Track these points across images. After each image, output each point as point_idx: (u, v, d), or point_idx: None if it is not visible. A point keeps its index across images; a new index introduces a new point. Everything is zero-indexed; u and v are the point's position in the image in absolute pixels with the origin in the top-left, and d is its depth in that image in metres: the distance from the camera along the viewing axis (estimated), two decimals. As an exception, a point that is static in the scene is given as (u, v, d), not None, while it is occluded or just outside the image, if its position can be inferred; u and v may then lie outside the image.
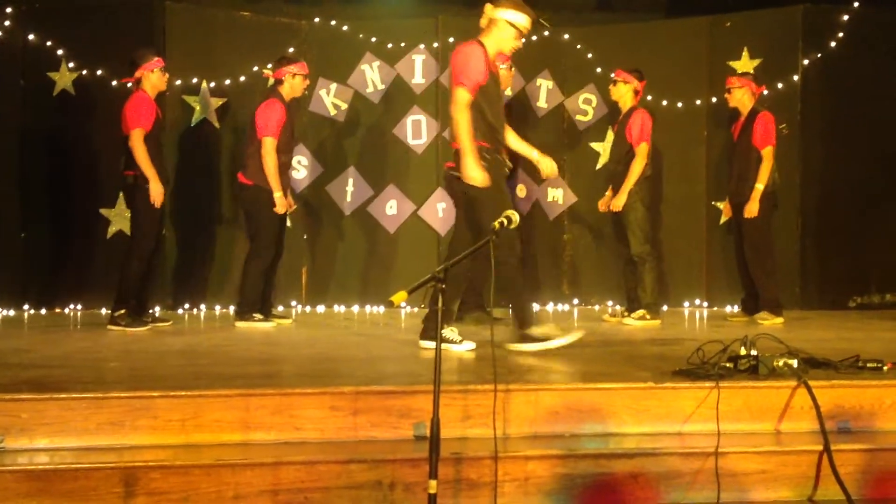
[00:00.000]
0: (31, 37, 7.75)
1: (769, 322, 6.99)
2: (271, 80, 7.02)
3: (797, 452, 3.91)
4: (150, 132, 6.53)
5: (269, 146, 6.67)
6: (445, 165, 6.75)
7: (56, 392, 3.89)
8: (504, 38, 5.25)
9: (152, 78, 6.63)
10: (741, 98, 7.21)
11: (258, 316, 6.88)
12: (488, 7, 5.27)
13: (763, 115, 7.14)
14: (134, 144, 6.45)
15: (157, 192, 6.51)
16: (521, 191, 8.43)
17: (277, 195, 6.69)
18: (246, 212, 7.02)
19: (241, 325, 6.80)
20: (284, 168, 6.86)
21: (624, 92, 7.27)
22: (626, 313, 7.28)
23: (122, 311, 6.57)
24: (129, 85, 6.70)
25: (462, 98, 5.11)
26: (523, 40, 5.43)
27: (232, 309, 7.30)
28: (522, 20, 5.22)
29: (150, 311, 7.00)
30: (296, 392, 3.98)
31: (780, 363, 4.25)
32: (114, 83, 7.60)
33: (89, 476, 3.55)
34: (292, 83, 6.86)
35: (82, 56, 7.80)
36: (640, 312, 7.07)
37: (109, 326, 6.55)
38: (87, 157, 7.82)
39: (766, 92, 7.53)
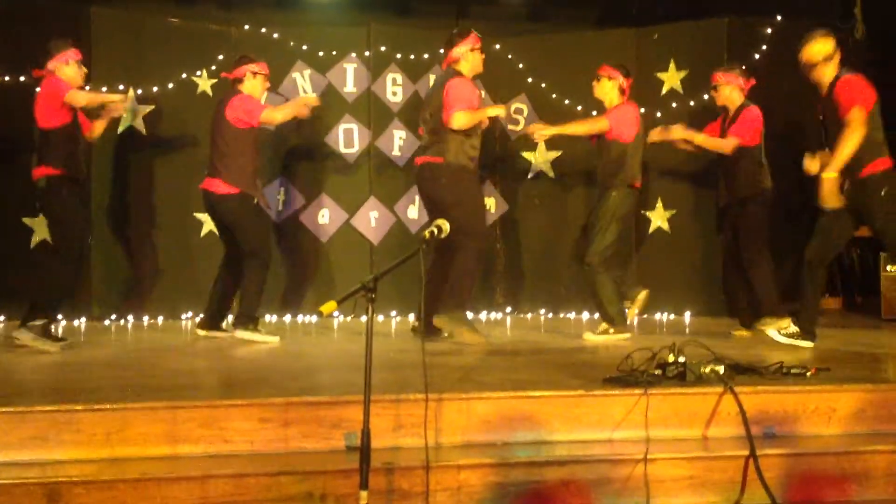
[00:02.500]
0: (-49, 41, 7.56)
1: (775, 326, 6.28)
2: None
3: (724, 458, 3.98)
4: (66, 125, 6.00)
5: (267, 115, 6.43)
6: (416, 161, 6.48)
7: (-24, 406, 3.79)
8: None
9: (67, 71, 6.09)
10: (729, 95, 6.80)
11: (261, 329, 6.52)
12: None
13: (748, 110, 6.74)
14: (73, 100, 5.93)
15: (117, 100, 6.29)
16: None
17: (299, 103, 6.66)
18: (231, 223, 6.48)
19: (243, 334, 6.38)
20: (256, 171, 6.58)
21: (609, 89, 6.78)
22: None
23: (39, 322, 5.92)
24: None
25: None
26: None
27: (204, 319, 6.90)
28: None
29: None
30: (224, 404, 3.93)
31: (707, 370, 4.32)
32: (38, 89, 7.42)
33: (11, 492, 3.46)
34: (253, 83, 6.53)
35: (5, 62, 7.60)
36: None
37: (16, 335, 5.87)
38: (8, 164, 7.63)
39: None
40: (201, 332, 6.64)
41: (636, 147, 6.69)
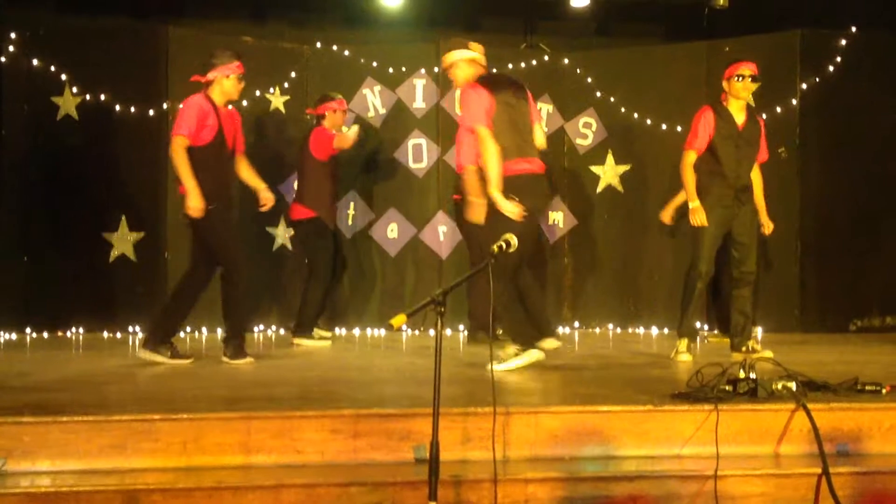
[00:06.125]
0: (34, 62, 7.81)
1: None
2: (310, 117, 7.63)
3: (796, 475, 3.92)
4: (210, 144, 5.69)
5: (338, 142, 7.20)
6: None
7: (58, 415, 3.90)
8: None
9: (225, 84, 5.78)
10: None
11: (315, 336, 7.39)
12: None
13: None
14: (172, 152, 5.63)
15: (193, 206, 5.65)
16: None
17: None
18: (300, 243, 7.66)
19: (300, 341, 7.28)
20: (333, 196, 7.44)
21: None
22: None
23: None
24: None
25: None
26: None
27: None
28: None
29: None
30: (296, 415, 3.99)
31: (779, 386, 4.27)
32: (117, 108, 7.66)
33: (91, 499, 3.56)
34: (333, 118, 7.36)
35: (86, 81, 7.85)
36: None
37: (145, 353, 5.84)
38: (90, 181, 7.86)
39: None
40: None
41: None
